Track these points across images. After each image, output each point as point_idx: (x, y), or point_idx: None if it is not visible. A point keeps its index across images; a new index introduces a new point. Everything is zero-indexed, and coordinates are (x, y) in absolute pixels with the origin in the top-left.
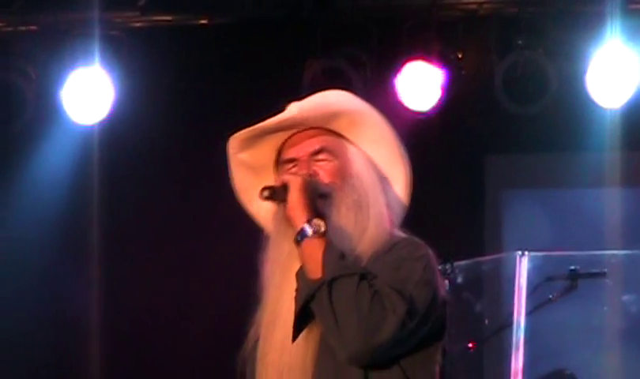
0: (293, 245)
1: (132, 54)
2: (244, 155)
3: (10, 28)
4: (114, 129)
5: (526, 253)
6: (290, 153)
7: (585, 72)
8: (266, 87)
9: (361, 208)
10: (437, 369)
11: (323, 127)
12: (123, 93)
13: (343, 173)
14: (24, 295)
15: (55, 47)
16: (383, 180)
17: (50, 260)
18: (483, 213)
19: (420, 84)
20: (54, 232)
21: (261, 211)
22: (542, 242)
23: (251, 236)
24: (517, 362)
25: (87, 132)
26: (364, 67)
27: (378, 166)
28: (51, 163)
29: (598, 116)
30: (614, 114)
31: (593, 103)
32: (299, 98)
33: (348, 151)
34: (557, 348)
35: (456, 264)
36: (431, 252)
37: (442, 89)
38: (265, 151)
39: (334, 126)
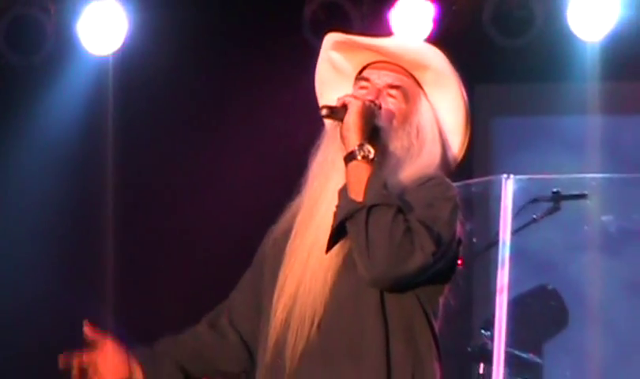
0: (340, 157)
1: None
2: (334, 55)
3: None
4: (128, 59)
5: (512, 176)
6: (370, 74)
7: (567, 7)
8: (270, 23)
9: (408, 158)
10: (442, 301)
11: (409, 71)
12: (137, 25)
13: (405, 118)
14: (35, 225)
15: None
16: (444, 143)
17: (66, 189)
18: (473, 139)
19: (413, 18)
20: (69, 162)
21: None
22: (527, 166)
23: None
24: (503, 277)
25: (102, 62)
26: (362, 2)
27: (442, 129)
28: (68, 92)
29: (580, 48)
30: (594, 46)
31: (575, 36)
32: (301, 32)
33: (420, 102)
34: (541, 265)
35: None
36: (457, 193)
37: (433, 23)
38: (353, 62)
39: (420, 76)
